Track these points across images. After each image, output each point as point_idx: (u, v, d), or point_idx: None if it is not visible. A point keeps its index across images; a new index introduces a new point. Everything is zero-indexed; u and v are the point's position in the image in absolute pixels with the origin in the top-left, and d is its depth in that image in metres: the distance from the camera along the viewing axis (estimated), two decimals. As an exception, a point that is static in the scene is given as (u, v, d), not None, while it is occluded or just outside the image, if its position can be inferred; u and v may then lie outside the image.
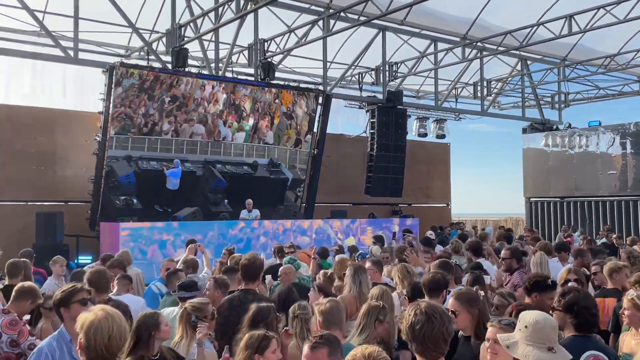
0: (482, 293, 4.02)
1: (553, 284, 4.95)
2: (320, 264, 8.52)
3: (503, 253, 7.21)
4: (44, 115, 14.88)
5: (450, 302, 3.82)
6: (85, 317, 3.02)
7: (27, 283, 5.02)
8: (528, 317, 2.96)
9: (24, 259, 7.14)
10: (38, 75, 15.32)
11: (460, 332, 3.87)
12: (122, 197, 14.09)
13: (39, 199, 14.73)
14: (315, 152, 16.92)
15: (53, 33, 12.83)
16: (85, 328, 2.96)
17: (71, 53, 12.90)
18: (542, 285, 4.82)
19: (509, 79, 21.77)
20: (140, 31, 14.09)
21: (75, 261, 12.67)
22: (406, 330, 2.85)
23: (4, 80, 14.76)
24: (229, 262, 7.43)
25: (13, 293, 4.79)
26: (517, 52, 18.48)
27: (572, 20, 13.43)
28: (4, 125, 13.39)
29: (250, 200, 14.44)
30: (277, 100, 16.06)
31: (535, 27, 14.30)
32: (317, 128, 16.85)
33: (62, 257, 8.49)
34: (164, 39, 14.25)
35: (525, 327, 2.91)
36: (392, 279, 6.27)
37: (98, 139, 13.24)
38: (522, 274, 6.70)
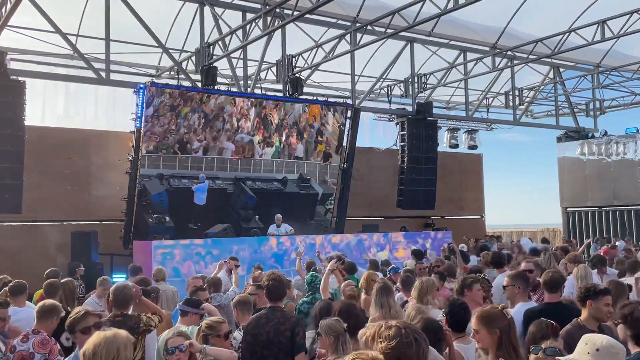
0: (509, 312, 3.84)
1: (606, 289, 4.79)
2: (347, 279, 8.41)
3: (524, 265, 6.91)
4: (77, 136, 15.18)
5: (473, 321, 3.71)
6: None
7: (48, 301, 5.09)
8: (599, 339, 2.76)
9: (70, 279, 7.23)
10: (71, 97, 15.71)
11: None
12: (155, 215, 14.22)
13: (74, 219, 14.99)
14: (345, 166, 16.85)
15: (85, 55, 13.09)
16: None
17: (103, 74, 13.14)
18: (595, 292, 4.67)
19: (542, 87, 21.40)
20: (170, 51, 14.32)
21: (110, 280, 12.79)
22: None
23: (39, 103, 15.10)
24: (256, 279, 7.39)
25: (36, 314, 4.85)
26: (549, 60, 18.17)
27: (605, 25, 13.14)
28: (40, 147, 13.66)
29: (279, 216, 14.45)
30: (306, 111, 16.03)
31: (567, 34, 14.02)
32: (347, 142, 16.79)
33: (109, 279, 8.61)
34: (193, 58, 14.44)
35: (597, 350, 2.69)
36: None
37: (130, 158, 13.42)
38: (542, 293, 6.34)
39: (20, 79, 12.19)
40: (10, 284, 6.67)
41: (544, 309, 5.12)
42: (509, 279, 5.56)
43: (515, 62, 17.19)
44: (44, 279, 9.03)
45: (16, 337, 4.70)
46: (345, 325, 4.24)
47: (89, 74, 13.25)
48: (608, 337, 2.83)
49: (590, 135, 22.26)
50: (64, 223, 14.94)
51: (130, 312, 5.21)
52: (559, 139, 22.64)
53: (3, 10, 11.05)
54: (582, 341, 2.80)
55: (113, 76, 13.54)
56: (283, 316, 4.92)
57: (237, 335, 5.14)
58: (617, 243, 15.71)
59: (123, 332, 3.17)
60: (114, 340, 3.05)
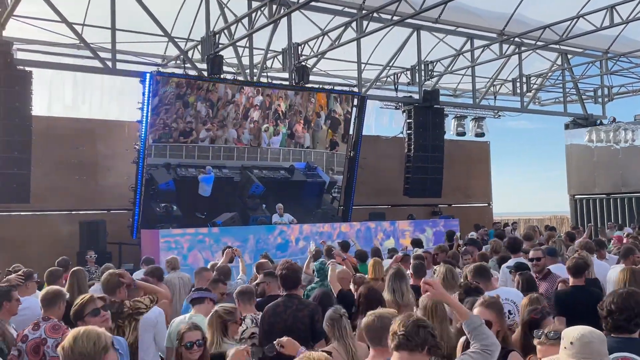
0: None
1: None
2: (357, 268, 8.41)
3: (532, 253, 6.85)
4: (84, 125, 15.22)
5: (480, 311, 3.57)
6: None
7: (51, 288, 5.08)
8: (572, 332, 2.69)
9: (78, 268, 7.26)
10: (78, 87, 15.73)
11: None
12: (162, 205, 14.28)
13: (82, 208, 15.05)
14: (351, 155, 16.82)
15: (91, 45, 13.09)
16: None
17: (109, 64, 13.14)
18: None
19: (549, 74, 21.24)
20: (176, 40, 14.28)
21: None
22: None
23: (46, 93, 15.13)
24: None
25: (41, 302, 4.86)
26: (557, 46, 18.02)
27: (614, 11, 13.00)
28: (47, 137, 13.69)
29: (280, 205, 14.44)
30: (312, 101, 15.99)
31: (575, 20, 13.89)
32: (353, 130, 16.75)
33: (112, 265, 8.64)
34: (199, 47, 14.40)
35: (571, 343, 2.65)
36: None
37: (137, 147, 13.44)
38: (552, 280, 6.27)
39: (26, 69, 12.17)
40: (21, 271, 6.73)
41: (572, 291, 5.58)
42: (470, 276, 5.43)
43: (523, 48, 17.04)
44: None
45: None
46: (343, 311, 4.28)
47: (96, 63, 13.25)
48: (583, 327, 2.76)
49: (598, 122, 22.12)
50: (72, 212, 15.02)
51: (118, 298, 5.17)
52: (567, 126, 22.51)
53: (9, 0, 11.06)
54: (561, 337, 2.76)
55: (119, 65, 13.54)
56: (300, 303, 4.96)
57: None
58: (625, 229, 15.64)
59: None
60: (91, 329, 3.02)
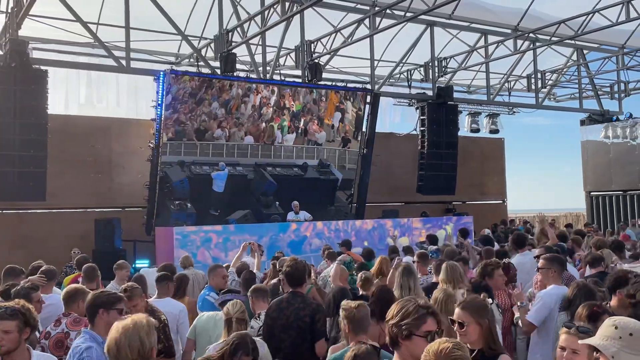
0: (490, 301, 3.77)
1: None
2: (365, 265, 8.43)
3: (538, 251, 6.76)
4: (99, 123, 15.36)
5: (456, 313, 3.52)
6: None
7: (71, 286, 5.15)
8: (632, 323, 2.60)
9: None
10: (93, 85, 15.85)
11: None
12: (177, 202, 14.36)
13: (97, 206, 15.19)
14: (364, 152, 16.79)
15: (106, 44, 13.17)
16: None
17: (124, 62, 13.21)
18: (626, 282, 4.44)
19: (565, 70, 21.05)
20: (189, 38, 14.34)
21: (133, 266, 12.95)
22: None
23: (62, 91, 15.26)
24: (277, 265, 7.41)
25: (62, 300, 4.93)
26: (572, 42, 17.83)
27: (630, 5, 12.85)
28: (63, 135, 13.80)
29: (296, 202, 14.47)
30: (323, 100, 15.99)
31: (591, 15, 13.75)
32: (366, 127, 16.71)
33: (127, 263, 8.71)
34: (212, 45, 14.45)
35: (630, 335, 2.63)
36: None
37: (152, 145, 13.52)
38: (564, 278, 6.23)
39: (42, 68, 12.29)
40: (42, 269, 6.81)
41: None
42: (545, 261, 5.36)
43: (538, 44, 16.89)
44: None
45: None
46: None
47: (110, 62, 13.34)
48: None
49: (614, 118, 21.89)
50: (88, 210, 15.16)
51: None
52: (582, 122, 22.33)
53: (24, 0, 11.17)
54: (610, 325, 2.62)
55: (133, 64, 13.62)
56: (303, 302, 4.96)
57: (254, 323, 5.15)
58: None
59: (141, 317, 2.99)
60: (134, 330, 2.89)
